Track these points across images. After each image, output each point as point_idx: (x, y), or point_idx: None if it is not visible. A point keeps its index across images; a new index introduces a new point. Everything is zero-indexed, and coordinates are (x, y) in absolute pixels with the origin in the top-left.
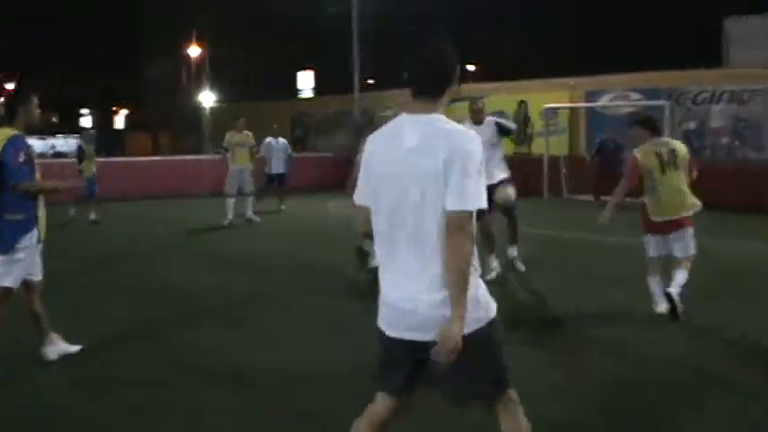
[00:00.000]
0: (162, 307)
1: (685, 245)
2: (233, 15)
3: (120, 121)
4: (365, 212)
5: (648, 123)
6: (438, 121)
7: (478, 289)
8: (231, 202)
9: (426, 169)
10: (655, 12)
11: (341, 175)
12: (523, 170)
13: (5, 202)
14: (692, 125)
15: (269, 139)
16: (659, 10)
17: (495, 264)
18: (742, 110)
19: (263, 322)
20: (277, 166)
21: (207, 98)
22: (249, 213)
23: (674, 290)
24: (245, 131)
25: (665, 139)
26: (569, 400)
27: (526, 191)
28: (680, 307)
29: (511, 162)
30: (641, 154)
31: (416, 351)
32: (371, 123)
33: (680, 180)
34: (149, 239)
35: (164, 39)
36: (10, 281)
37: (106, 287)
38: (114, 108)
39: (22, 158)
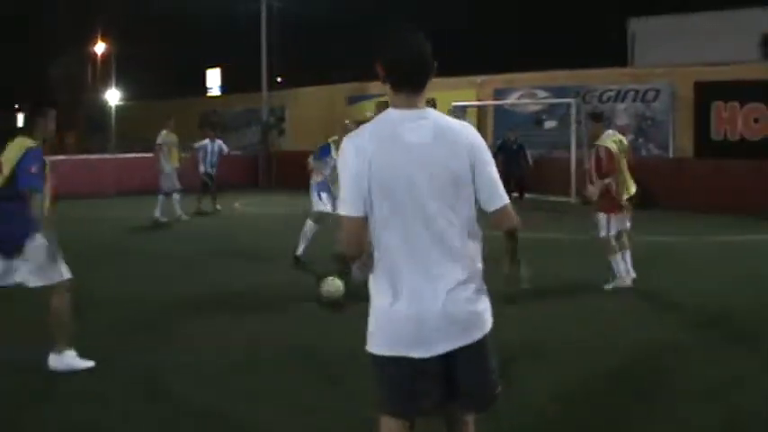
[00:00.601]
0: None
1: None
2: (139, 11)
3: (21, 120)
4: (356, 226)
5: (602, 117)
6: (440, 117)
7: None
8: (177, 197)
9: (450, 167)
10: (561, 11)
11: (250, 174)
12: None
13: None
14: None
15: (206, 141)
16: (566, 9)
17: None
18: (646, 108)
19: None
20: (212, 167)
21: (113, 96)
22: (179, 212)
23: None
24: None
25: (612, 130)
26: None
27: None
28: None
29: None
30: (610, 143)
31: (451, 361)
32: (280, 121)
33: (626, 165)
34: (89, 242)
35: (67, 35)
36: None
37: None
38: (16, 106)
39: (34, 169)
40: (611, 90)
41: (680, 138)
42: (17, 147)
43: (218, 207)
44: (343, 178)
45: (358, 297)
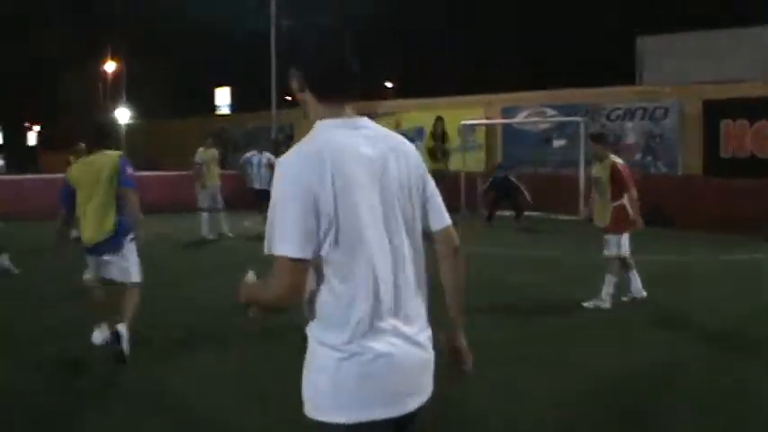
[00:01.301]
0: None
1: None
2: (150, 30)
3: (32, 138)
4: (303, 270)
5: (602, 138)
6: (382, 128)
7: None
8: (205, 216)
9: (410, 183)
10: (569, 29)
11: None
12: (441, 186)
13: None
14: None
15: (251, 154)
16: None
17: None
18: (655, 126)
19: None
20: (261, 182)
21: (122, 114)
22: (224, 229)
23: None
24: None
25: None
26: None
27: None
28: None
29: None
30: (623, 163)
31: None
32: (290, 139)
33: None
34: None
35: (78, 54)
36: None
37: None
38: (26, 124)
39: (130, 171)
40: (619, 108)
41: (689, 156)
42: (108, 157)
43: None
44: (286, 208)
45: None
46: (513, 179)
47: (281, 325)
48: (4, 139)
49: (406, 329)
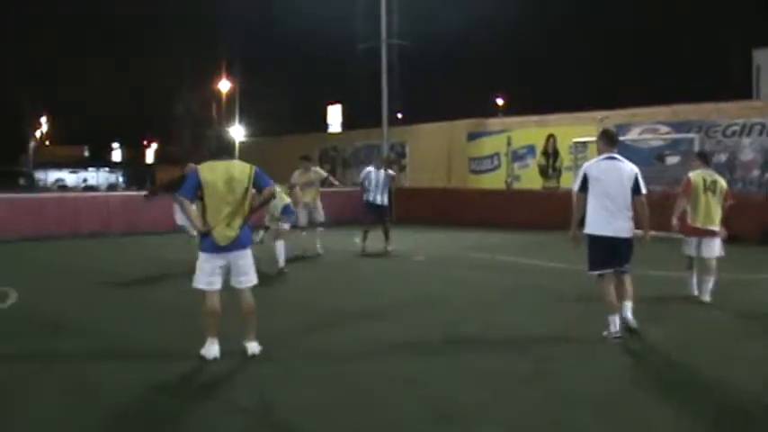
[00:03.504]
0: None
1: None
2: (263, 50)
3: (150, 155)
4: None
5: (706, 157)
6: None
7: None
8: (319, 230)
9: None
10: (683, 44)
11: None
12: (552, 204)
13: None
14: (722, 158)
15: (369, 168)
16: (688, 42)
17: None
18: None
19: None
20: (380, 198)
21: (237, 132)
22: (317, 246)
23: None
24: (314, 168)
25: (706, 169)
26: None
27: (555, 225)
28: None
29: (539, 195)
30: (694, 174)
31: None
32: (401, 157)
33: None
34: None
35: (192, 73)
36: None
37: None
38: (145, 142)
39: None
40: (735, 124)
41: None
42: (241, 166)
43: (389, 248)
44: None
45: None
46: None
47: None
48: (125, 156)
49: None
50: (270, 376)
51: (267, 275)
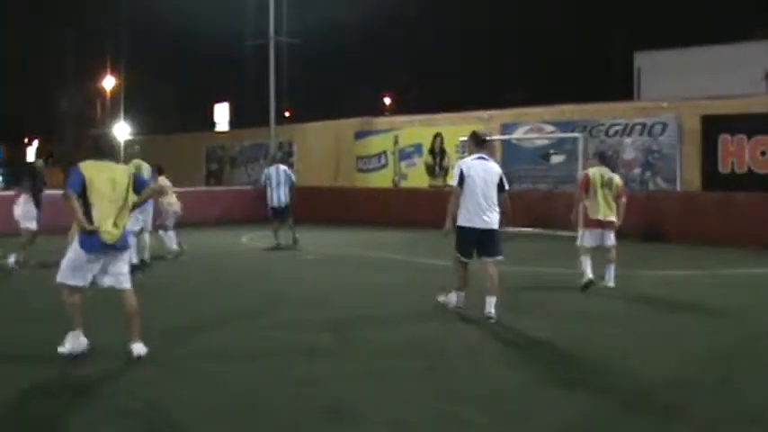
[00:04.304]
0: None
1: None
2: (148, 47)
3: (31, 154)
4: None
5: (605, 157)
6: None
7: None
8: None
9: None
10: (568, 45)
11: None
12: (439, 203)
13: None
14: None
15: (269, 169)
16: (572, 43)
17: None
18: (653, 142)
19: None
20: (283, 195)
21: (122, 130)
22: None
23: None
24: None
25: (602, 167)
26: None
27: (442, 222)
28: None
29: (427, 194)
30: (591, 170)
31: None
32: (288, 156)
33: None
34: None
35: (76, 69)
36: None
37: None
38: (26, 140)
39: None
40: (618, 124)
41: (687, 171)
42: (122, 169)
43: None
44: None
45: None
46: None
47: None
48: (2, 155)
49: None
50: (157, 378)
51: (150, 275)
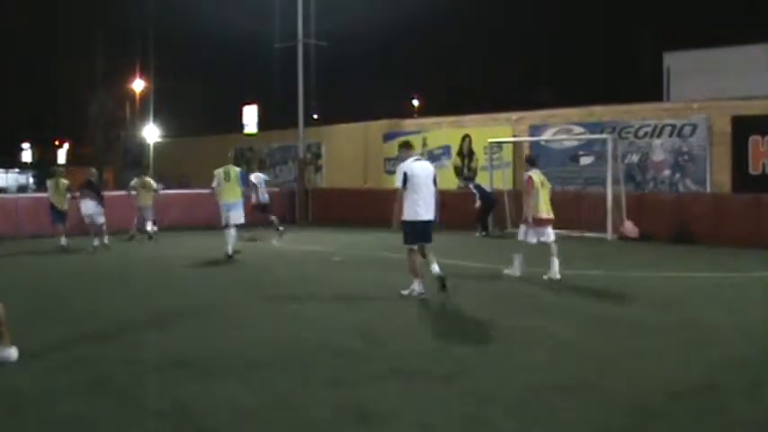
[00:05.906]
0: None
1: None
2: (178, 50)
3: (62, 156)
4: None
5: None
6: None
7: None
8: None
9: None
10: (596, 46)
11: (287, 210)
12: (467, 204)
13: None
14: (634, 158)
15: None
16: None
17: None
18: (683, 143)
19: None
20: (266, 196)
21: (151, 133)
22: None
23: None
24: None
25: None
26: None
27: (471, 224)
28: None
29: (455, 196)
30: (534, 174)
31: None
32: (317, 158)
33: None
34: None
35: (106, 72)
36: None
37: None
38: (56, 142)
39: None
40: (647, 125)
41: (717, 173)
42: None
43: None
44: None
45: None
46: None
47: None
48: (35, 157)
49: None
50: (185, 379)
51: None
